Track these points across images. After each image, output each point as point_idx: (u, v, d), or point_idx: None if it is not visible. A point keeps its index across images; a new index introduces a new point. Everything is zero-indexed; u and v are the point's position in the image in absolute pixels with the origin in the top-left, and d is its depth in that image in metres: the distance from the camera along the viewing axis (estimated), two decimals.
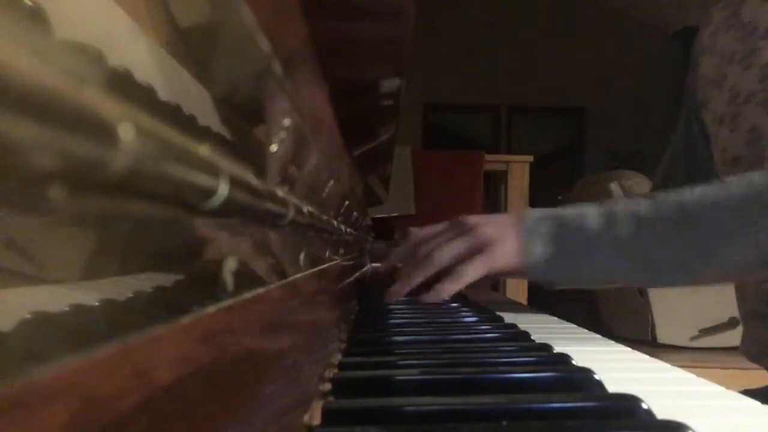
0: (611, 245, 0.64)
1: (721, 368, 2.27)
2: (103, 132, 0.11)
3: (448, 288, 0.64)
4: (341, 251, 0.64)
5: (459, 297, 0.75)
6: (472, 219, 0.69)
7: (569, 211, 0.68)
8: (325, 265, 0.47)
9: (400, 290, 0.68)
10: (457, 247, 0.66)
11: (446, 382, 0.32)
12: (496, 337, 0.49)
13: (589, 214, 0.66)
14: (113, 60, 0.12)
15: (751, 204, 0.60)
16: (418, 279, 0.67)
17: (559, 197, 3.49)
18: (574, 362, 0.36)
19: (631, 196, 0.67)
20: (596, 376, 0.32)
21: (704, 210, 0.62)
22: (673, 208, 0.63)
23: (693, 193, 0.63)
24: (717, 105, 0.87)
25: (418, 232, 0.71)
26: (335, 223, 0.54)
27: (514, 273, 0.66)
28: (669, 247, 0.63)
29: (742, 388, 0.60)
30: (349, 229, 0.71)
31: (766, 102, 0.78)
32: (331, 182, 0.47)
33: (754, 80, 0.80)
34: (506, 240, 0.65)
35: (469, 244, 0.66)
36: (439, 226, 0.70)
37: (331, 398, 0.30)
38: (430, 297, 0.65)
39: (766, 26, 0.80)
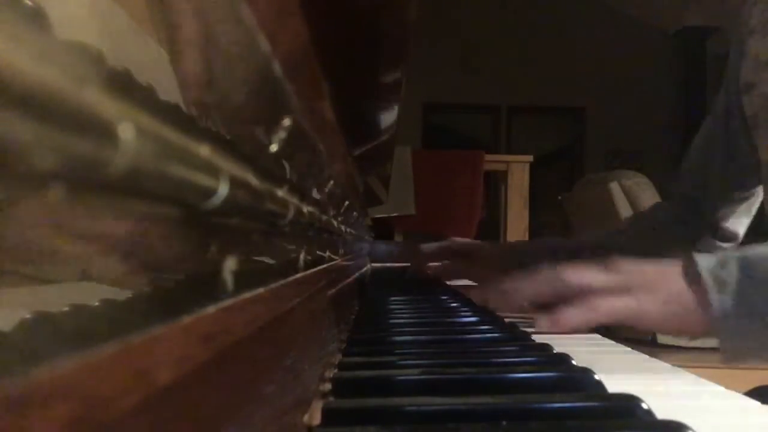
0: None
1: (721, 368, 2.27)
2: (103, 132, 0.11)
3: (573, 317, 0.50)
4: (341, 251, 0.64)
5: (459, 297, 0.75)
6: (628, 263, 0.53)
7: (758, 251, 0.51)
8: (325, 265, 0.47)
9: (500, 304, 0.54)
10: (600, 277, 0.52)
11: (446, 382, 0.32)
12: (496, 337, 0.49)
13: None
14: (113, 60, 0.12)
15: None
16: (527, 297, 0.53)
17: (559, 197, 3.49)
18: (574, 362, 0.36)
19: None
20: (596, 376, 0.32)
21: None
22: None
23: None
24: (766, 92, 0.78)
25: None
26: (335, 223, 0.54)
27: (679, 333, 0.53)
28: None
29: (743, 388, 0.60)
30: (349, 229, 0.71)
31: None
32: (331, 182, 0.47)
33: None
34: (674, 282, 0.50)
35: (624, 282, 0.51)
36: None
37: (331, 398, 0.30)
38: (546, 323, 0.51)
39: None
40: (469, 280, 1.06)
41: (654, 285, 0.51)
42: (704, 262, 0.50)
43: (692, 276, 0.50)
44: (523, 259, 0.91)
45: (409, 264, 1.15)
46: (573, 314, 0.50)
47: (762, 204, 0.87)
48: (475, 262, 0.98)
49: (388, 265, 1.55)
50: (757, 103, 0.81)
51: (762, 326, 0.48)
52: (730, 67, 0.89)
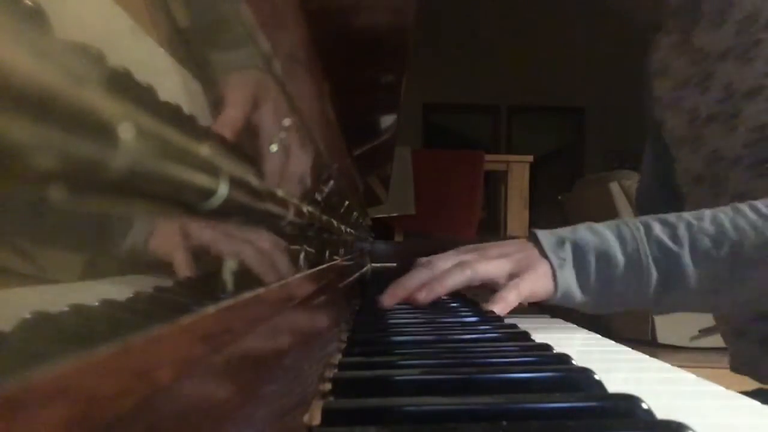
0: (639, 280, 0.62)
1: (721, 368, 2.27)
2: (103, 132, 0.11)
3: (499, 308, 0.61)
4: (341, 251, 0.64)
5: (459, 297, 0.75)
6: (493, 246, 0.67)
7: (583, 234, 0.65)
8: (325, 265, 0.47)
9: (430, 292, 0.64)
10: (501, 265, 0.64)
11: (446, 382, 0.32)
12: (496, 337, 0.49)
13: (608, 241, 0.64)
14: (113, 60, 0.12)
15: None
16: (455, 282, 0.64)
17: (559, 197, 3.49)
18: (574, 362, 0.36)
19: (637, 220, 0.66)
20: (596, 376, 0.32)
21: (721, 246, 0.61)
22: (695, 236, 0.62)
23: (706, 223, 0.62)
24: (675, 127, 0.89)
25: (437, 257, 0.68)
26: (335, 223, 0.54)
27: (546, 298, 0.64)
28: (693, 278, 0.62)
29: (742, 389, 0.60)
30: (349, 229, 0.71)
31: (727, 123, 0.79)
32: (332, 182, 0.47)
33: (713, 103, 0.81)
34: (538, 265, 0.63)
35: (511, 267, 0.64)
36: (458, 254, 0.68)
37: (331, 398, 0.30)
38: (494, 307, 0.62)
39: (718, 50, 0.80)
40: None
41: (530, 265, 0.63)
42: (546, 241, 0.64)
43: (544, 253, 0.64)
44: None
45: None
46: (498, 308, 0.61)
47: None
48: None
49: (388, 265, 1.55)
50: (668, 138, 0.91)
51: (593, 294, 0.63)
52: (647, 108, 0.99)
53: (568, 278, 0.63)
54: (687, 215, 0.64)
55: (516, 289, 0.62)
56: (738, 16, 0.78)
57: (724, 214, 0.63)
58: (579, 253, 0.64)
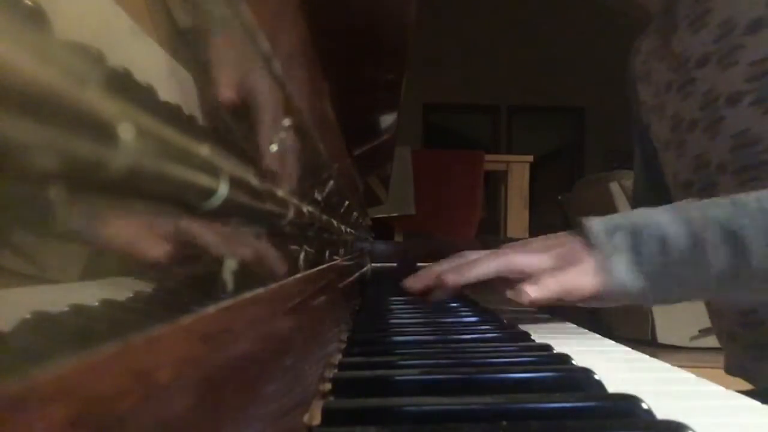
0: (705, 266, 0.56)
1: (721, 368, 2.27)
2: (103, 132, 0.11)
3: (534, 291, 0.55)
4: (341, 251, 0.64)
5: (459, 297, 0.75)
6: (535, 240, 0.61)
7: (639, 219, 0.59)
8: (325, 265, 0.47)
9: (459, 275, 0.59)
10: (540, 258, 0.58)
11: (446, 382, 0.32)
12: (496, 337, 0.49)
13: (669, 225, 0.57)
14: (113, 60, 0.12)
15: None
16: (487, 269, 0.58)
17: (559, 197, 3.49)
18: (574, 362, 0.36)
19: (695, 204, 0.59)
20: (596, 376, 0.32)
21: None
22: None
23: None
24: (660, 131, 0.87)
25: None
26: (335, 223, 0.54)
27: (594, 297, 0.57)
28: (760, 259, 0.55)
29: (742, 389, 0.60)
30: (349, 229, 0.71)
31: (709, 129, 0.77)
32: (331, 182, 0.47)
33: (695, 108, 0.79)
34: (584, 259, 0.57)
35: (552, 261, 0.58)
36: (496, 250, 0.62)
37: (331, 398, 0.30)
38: (513, 294, 0.56)
39: (698, 55, 0.79)
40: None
41: (575, 259, 0.57)
42: (595, 229, 0.58)
43: (590, 246, 0.58)
44: None
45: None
46: (532, 289, 0.55)
47: None
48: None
49: (388, 265, 1.55)
50: (655, 141, 0.90)
51: (650, 283, 0.57)
52: (633, 111, 0.96)
53: (622, 268, 0.56)
54: (746, 197, 0.57)
55: (556, 280, 0.56)
56: (716, 21, 0.77)
57: None
58: (635, 238, 0.57)
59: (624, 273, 0.56)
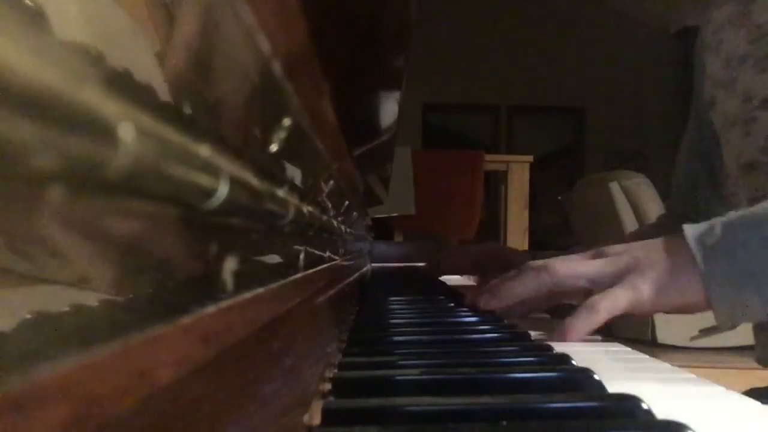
0: None
1: (721, 368, 2.28)
2: (103, 132, 0.11)
3: (579, 325, 0.47)
4: (341, 251, 0.64)
5: (458, 297, 0.75)
6: (612, 247, 0.52)
7: (733, 215, 0.50)
8: (325, 265, 0.47)
9: (490, 299, 0.53)
10: (600, 263, 0.50)
11: (446, 382, 0.32)
12: (496, 337, 0.49)
13: None
14: (113, 60, 0.12)
15: None
16: (524, 289, 0.52)
17: (559, 197, 3.49)
18: (574, 362, 0.36)
19: None
20: (596, 376, 0.32)
21: None
22: None
23: None
24: (727, 107, 0.81)
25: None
26: (335, 223, 0.54)
27: (689, 307, 0.49)
28: None
29: (742, 388, 0.60)
30: (349, 229, 0.71)
31: None
32: (331, 182, 0.47)
33: None
34: (671, 259, 0.48)
35: (618, 266, 0.49)
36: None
37: (331, 398, 0.30)
38: (556, 336, 0.48)
39: None
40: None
41: (644, 265, 0.49)
42: (691, 231, 0.50)
43: (679, 246, 0.49)
44: None
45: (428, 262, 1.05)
46: (579, 324, 0.48)
47: None
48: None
49: (388, 265, 1.55)
50: (719, 119, 0.83)
51: (752, 282, 0.47)
52: (696, 84, 0.91)
53: (724, 277, 0.47)
54: None
55: (609, 299, 0.46)
56: None
57: None
58: (734, 236, 0.47)
59: (717, 269, 0.48)
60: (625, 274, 0.49)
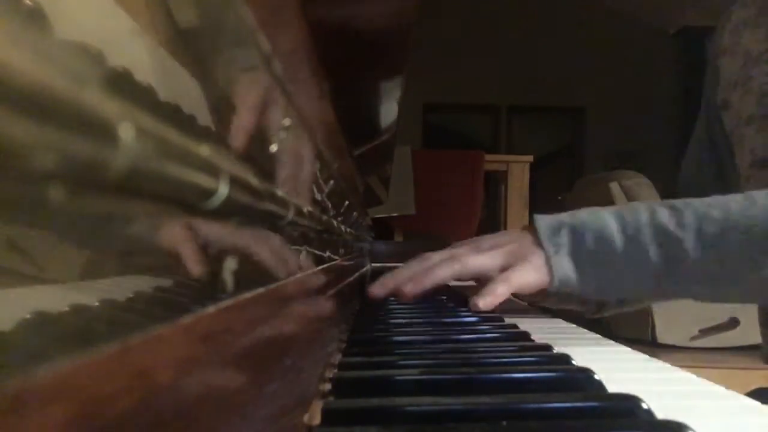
0: (638, 263, 0.61)
1: (721, 368, 2.28)
2: (103, 132, 0.11)
3: (484, 303, 0.60)
4: (341, 251, 0.64)
5: (459, 297, 0.75)
6: (487, 238, 0.66)
7: (582, 218, 0.63)
8: (325, 265, 0.47)
9: (416, 284, 0.63)
10: (492, 258, 0.63)
11: (446, 382, 0.32)
12: (496, 337, 0.49)
13: (608, 225, 0.62)
14: (113, 60, 0.12)
15: None
16: (443, 275, 0.63)
17: (559, 197, 3.49)
18: (574, 362, 0.36)
19: (643, 205, 0.64)
20: (596, 376, 0.32)
21: (730, 233, 0.59)
22: (700, 224, 0.60)
23: (715, 211, 0.60)
24: (742, 105, 0.83)
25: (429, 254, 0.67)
26: (335, 223, 0.54)
27: (540, 288, 0.62)
28: (698, 265, 0.60)
29: (743, 389, 0.60)
30: (349, 229, 0.71)
31: None
32: (332, 182, 0.47)
33: None
34: (532, 255, 0.62)
35: (503, 259, 0.63)
36: (451, 249, 0.67)
37: (331, 398, 0.30)
38: (480, 301, 0.61)
39: None
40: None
41: (523, 256, 0.62)
42: (542, 228, 0.63)
43: (538, 242, 0.63)
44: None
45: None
46: (483, 302, 0.60)
47: None
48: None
49: (388, 265, 1.55)
50: (732, 120, 0.85)
51: (591, 279, 0.62)
52: (707, 86, 0.92)
53: (564, 264, 0.61)
54: (697, 201, 0.62)
55: (506, 282, 0.61)
56: None
57: (736, 202, 0.60)
58: (576, 236, 0.62)
59: (565, 270, 0.61)
60: (514, 263, 0.62)
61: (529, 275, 0.62)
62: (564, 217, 0.64)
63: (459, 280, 0.65)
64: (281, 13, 0.25)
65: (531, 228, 0.64)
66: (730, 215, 0.59)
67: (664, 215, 0.61)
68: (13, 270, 0.10)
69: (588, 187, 3.20)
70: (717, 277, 0.60)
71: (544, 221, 0.64)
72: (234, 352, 0.19)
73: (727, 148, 0.87)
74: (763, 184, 0.77)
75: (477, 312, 0.61)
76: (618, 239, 0.61)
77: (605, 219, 0.62)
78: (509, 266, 0.62)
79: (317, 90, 0.34)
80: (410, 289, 0.63)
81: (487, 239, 0.66)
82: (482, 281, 0.64)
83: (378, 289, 0.65)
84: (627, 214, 0.62)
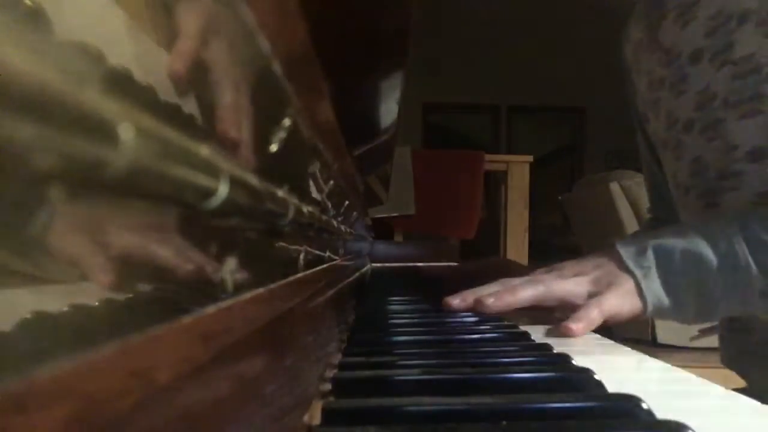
0: (739, 280, 0.57)
1: (721, 368, 2.27)
2: (103, 132, 0.11)
3: (579, 329, 0.54)
4: (341, 251, 0.64)
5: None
6: (569, 265, 0.62)
7: (665, 237, 0.60)
8: (325, 265, 0.47)
9: (499, 300, 0.59)
10: (578, 284, 0.59)
11: (446, 382, 0.32)
12: (496, 337, 0.49)
13: (695, 240, 0.59)
14: (113, 60, 0.12)
15: None
16: (526, 295, 0.59)
17: (559, 197, 3.49)
18: (574, 362, 0.36)
19: (725, 217, 0.61)
20: (596, 376, 0.32)
21: None
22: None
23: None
24: (657, 128, 0.83)
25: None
26: (335, 223, 0.54)
27: (635, 316, 0.58)
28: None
29: (742, 388, 0.60)
30: (349, 229, 0.71)
31: (706, 130, 0.72)
32: (331, 182, 0.47)
33: (690, 108, 0.74)
34: (620, 280, 0.58)
35: (590, 285, 0.59)
36: (533, 275, 0.62)
37: (331, 398, 0.30)
38: (574, 325, 0.54)
39: (689, 51, 0.74)
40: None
41: (610, 282, 0.58)
42: (625, 252, 0.60)
43: (625, 266, 0.59)
44: None
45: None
46: (578, 327, 0.54)
47: None
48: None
49: (388, 265, 1.55)
50: (653, 137, 0.85)
51: (688, 302, 0.58)
52: (628, 97, 0.91)
53: (656, 289, 0.57)
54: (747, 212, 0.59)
55: (598, 307, 0.56)
56: (706, 13, 0.71)
57: None
58: (663, 257, 0.58)
59: (658, 295, 0.57)
60: (601, 290, 0.58)
61: (621, 302, 0.57)
62: (646, 237, 0.61)
63: (540, 306, 0.61)
64: (281, 13, 0.25)
65: (612, 252, 0.60)
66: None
67: (757, 225, 0.57)
68: (13, 270, 0.10)
69: (588, 187, 3.20)
70: None
71: (625, 245, 0.60)
72: (234, 352, 0.19)
73: (654, 158, 0.88)
74: (691, 211, 0.78)
75: (569, 334, 0.55)
76: (710, 256, 0.57)
77: (691, 235, 0.59)
78: (597, 293, 0.58)
79: (317, 90, 0.34)
80: (492, 302, 0.59)
81: (570, 265, 0.62)
82: (567, 308, 0.59)
83: (457, 301, 0.61)
84: (714, 227, 0.59)
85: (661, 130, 0.82)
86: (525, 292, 0.59)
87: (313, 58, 0.30)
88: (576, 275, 0.60)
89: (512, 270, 0.84)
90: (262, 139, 0.26)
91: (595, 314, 0.56)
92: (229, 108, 0.21)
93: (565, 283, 0.59)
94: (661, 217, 0.94)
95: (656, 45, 0.80)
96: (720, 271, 0.57)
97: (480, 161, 2.73)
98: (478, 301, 0.60)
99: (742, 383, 0.80)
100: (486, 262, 1.01)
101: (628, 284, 0.58)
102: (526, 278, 0.62)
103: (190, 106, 0.17)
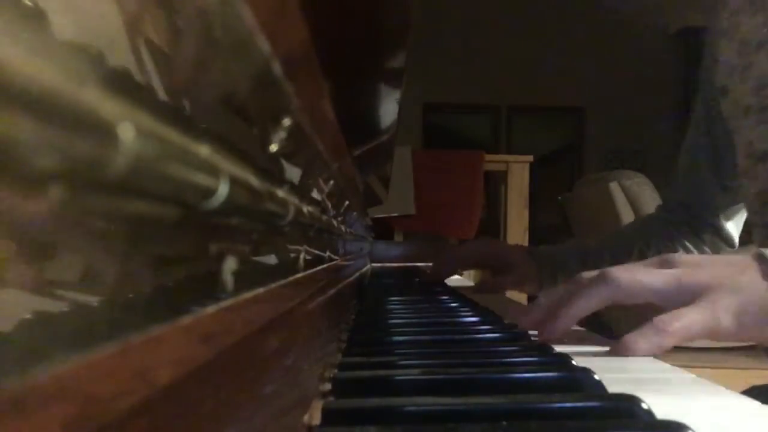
0: None
1: (721, 368, 2.28)
2: (103, 132, 0.11)
3: (642, 345, 0.41)
4: (341, 251, 0.64)
5: (459, 297, 0.75)
6: (686, 257, 0.46)
7: None
8: (325, 265, 0.47)
9: (552, 324, 0.46)
10: (668, 274, 0.44)
11: (446, 382, 0.32)
12: (496, 337, 0.49)
13: None
14: (113, 60, 0.12)
15: None
16: (588, 305, 0.45)
17: (559, 197, 3.49)
18: (574, 362, 0.36)
19: None
20: (596, 376, 0.32)
21: None
22: None
23: None
24: (741, 95, 0.79)
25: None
26: (335, 223, 0.54)
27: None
28: None
29: (742, 389, 0.60)
30: (349, 229, 0.71)
31: None
32: (331, 182, 0.47)
33: None
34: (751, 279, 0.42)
35: (691, 283, 0.43)
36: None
37: (331, 398, 0.30)
38: (618, 350, 0.43)
39: None
40: (504, 290, 1.02)
41: (727, 286, 0.43)
42: None
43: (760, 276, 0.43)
44: (559, 266, 0.92)
45: (431, 264, 1.08)
46: (643, 343, 0.42)
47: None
48: (510, 270, 0.95)
49: (388, 265, 1.55)
50: (730, 108, 0.81)
51: None
52: (704, 72, 0.89)
53: None
54: None
55: (688, 320, 0.40)
56: None
57: None
58: None
59: None
60: (703, 293, 0.42)
61: (746, 310, 0.42)
62: None
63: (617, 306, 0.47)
64: (281, 13, 0.25)
65: (756, 257, 0.44)
66: None
67: None
68: (13, 270, 0.10)
69: (588, 187, 3.19)
70: None
71: None
72: (234, 352, 0.19)
73: (724, 135, 0.83)
74: (761, 179, 0.76)
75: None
76: None
77: None
78: (699, 293, 0.43)
79: (317, 90, 0.34)
80: (546, 333, 0.47)
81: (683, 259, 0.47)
82: (655, 310, 0.45)
83: (526, 322, 0.50)
84: None
85: (746, 95, 0.78)
86: (584, 300, 0.46)
87: (313, 58, 0.30)
88: (676, 266, 0.45)
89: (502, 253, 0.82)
90: (262, 139, 0.26)
91: (671, 333, 0.41)
92: (229, 108, 0.21)
93: (644, 275, 0.45)
94: (680, 199, 0.93)
95: (761, 4, 0.77)
96: None
97: (480, 161, 2.73)
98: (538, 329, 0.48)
99: (743, 384, 0.80)
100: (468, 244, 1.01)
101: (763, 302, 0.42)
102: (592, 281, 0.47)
103: (190, 106, 0.17)
